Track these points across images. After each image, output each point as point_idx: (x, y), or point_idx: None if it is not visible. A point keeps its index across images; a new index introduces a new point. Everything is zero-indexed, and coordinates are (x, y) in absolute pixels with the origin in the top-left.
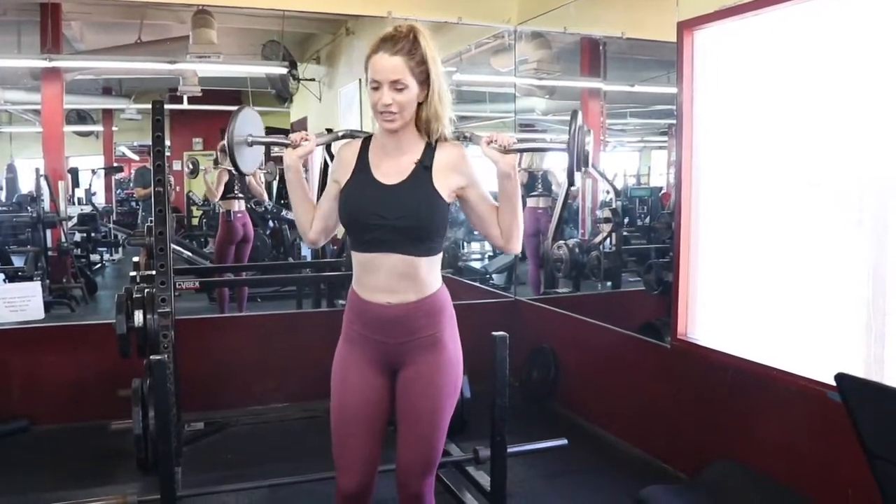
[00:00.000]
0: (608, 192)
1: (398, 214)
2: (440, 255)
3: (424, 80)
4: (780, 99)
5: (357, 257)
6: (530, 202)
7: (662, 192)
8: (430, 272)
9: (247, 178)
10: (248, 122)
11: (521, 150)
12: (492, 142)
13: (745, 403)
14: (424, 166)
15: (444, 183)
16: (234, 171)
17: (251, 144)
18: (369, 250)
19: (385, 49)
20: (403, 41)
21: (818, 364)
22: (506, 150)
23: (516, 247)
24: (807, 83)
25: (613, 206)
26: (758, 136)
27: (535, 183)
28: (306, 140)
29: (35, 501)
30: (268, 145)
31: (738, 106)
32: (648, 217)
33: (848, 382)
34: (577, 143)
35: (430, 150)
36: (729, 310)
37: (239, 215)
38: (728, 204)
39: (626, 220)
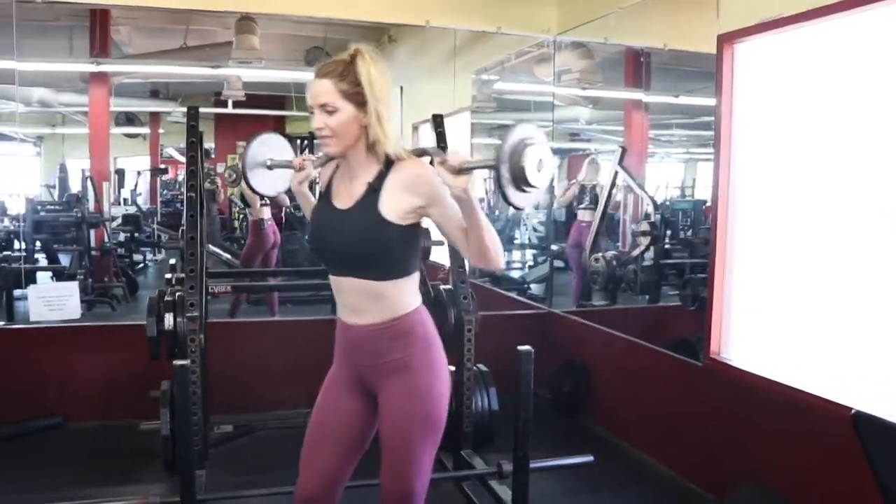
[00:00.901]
0: (648, 205)
1: (346, 241)
2: (410, 277)
3: (363, 103)
4: (822, 113)
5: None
6: (578, 215)
7: (706, 204)
8: (396, 295)
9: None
10: (268, 146)
11: (471, 169)
12: (443, 163)
13: (776, 426)
14: (373, 189)
15: (394, 205)
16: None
17: (271, 168)
18: (333, 273)
19: (317, 73)
20: (336, 65)
21: (857, 390)
22: (457, 172)
23: (493, 264)
24: (850, 98)
25: (652, 219)
26: (799, 151)
27: (583, 196)
28: (307, 163)
29: (64, 497)
30: (286, 167)
31: (778, 120)
32: (691, 230)
33: (864, 421)
34: (510, 159)
35: (384, 172)
36: (764, 329)
37: (270, 223)
38: (767, 220)
39: (669, 233)
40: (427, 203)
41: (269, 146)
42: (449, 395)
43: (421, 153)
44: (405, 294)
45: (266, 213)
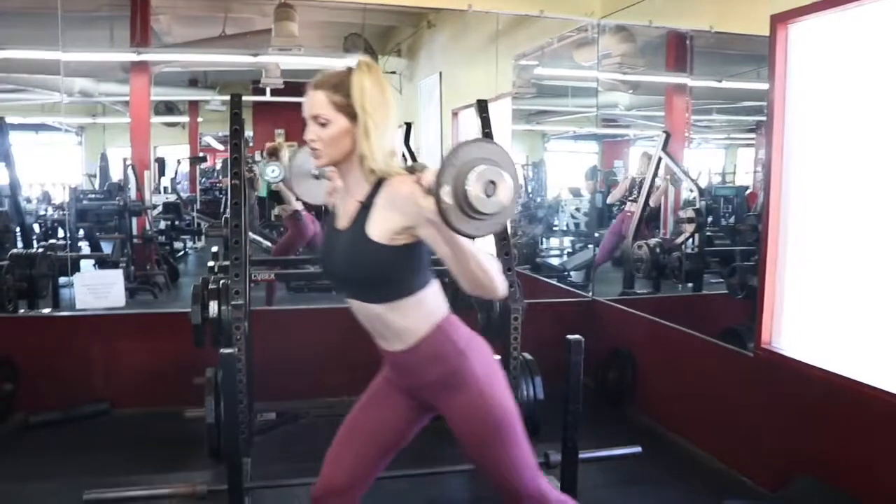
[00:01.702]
0: (692, 191)
1: (339, 263)
2: (415, 297)
3: (356, 116)
4: (880, 98)
5: None
6: (627, 206)
7: (748, 191)
8: (404, 318)
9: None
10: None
11: (434, 186)
12: (418, 181)
13: (832, 419)
14: (363, 207)
15: (381, 225)
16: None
17: (318, 177)
18: (345, 296)
19: (311, 85)
20: (332, 77)
21: None
22: (427, 192)
23: (487, 292)
24: None
25: (697, 205)
26: (855, 134)
27: (633, 190)
28: (334, 174)
29: (111, 483)
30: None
31: (834, 103)
32: (733, 217)
33: None
34: (453, 182)
35: (375, 189)
36: (818, 319)
37: (305, 213)
38: (820, 206)
39: (710, 219)
40: (413, 223)
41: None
42: (505, 383)
43: (411, 170)
44: (413, 315)
45: (300, 204)
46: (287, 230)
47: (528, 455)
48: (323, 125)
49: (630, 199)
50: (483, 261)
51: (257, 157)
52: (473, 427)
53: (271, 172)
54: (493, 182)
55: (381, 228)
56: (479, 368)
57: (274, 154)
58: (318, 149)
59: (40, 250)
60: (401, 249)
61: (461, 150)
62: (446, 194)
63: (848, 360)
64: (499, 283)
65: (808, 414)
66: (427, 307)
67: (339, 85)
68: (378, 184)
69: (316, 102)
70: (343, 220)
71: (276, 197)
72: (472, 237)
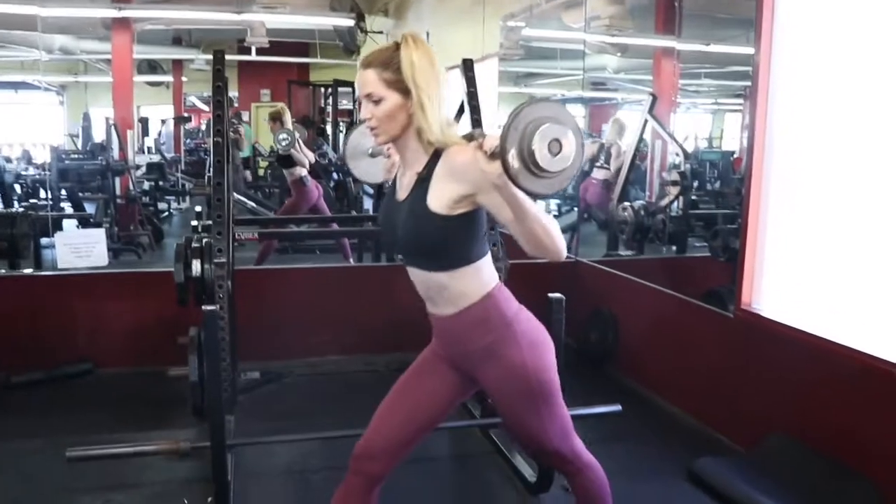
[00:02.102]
0: (677, 155)
1: (399, 233)
2: (473, 265)
3: (408, 91)
4: (865, 63)
5: None
6: (592, 173)
7: (734, 156)
8: (459, 285)
9: (292, 151)
10: (367, 135)
11: (499, 151)
12: (480, 146)
13: (807, 378)
14: (422, 179)
15: (441, 194)
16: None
17: (374, 156)
18: (405, 263)
19: (361, 65)
20: (381, 53)
21: (890, 343)
22: (491, 156)
23: (550, 255)
24: None
25: (682, 168)
26: (839, 99)
27: (600, 155)
28: (392, 151)
29: (96, 441)
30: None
31: (819, 68)
32: (719, 181)
33: None
34: (519, 142)
35: (433, 160)
36: (797, 281)
37: (310, 179)
38: (802, 170)
39: (696, 183)
40: (475, 190)
41: (368, 134)
42: (551, 356)
43: (470, 138)
44: (470, 282)
45: (303, 170)
46: (292, 195)
47: (565, 418)
48: (377, 103)
49: (597, 165)
50: (546, 222)
51: (244, 116)
52: (513, 395)
53: (282, 140)
54: (557, 140)
55: (440, 199)
56: (524, 339)
57: (278, 119)
58: (375, 126)
59: (21, 210)
60: (460, 219)
61: (522, 112)
62: (513, 157)
63: (824, 321)
64: (559, 243)
65: (783, 373)
66: (483, 275)
67: (389, 62)
68: (436, 155)
69: (367, 81)
70: (402, 192)
71: (284, 161)
72: (543, 197)
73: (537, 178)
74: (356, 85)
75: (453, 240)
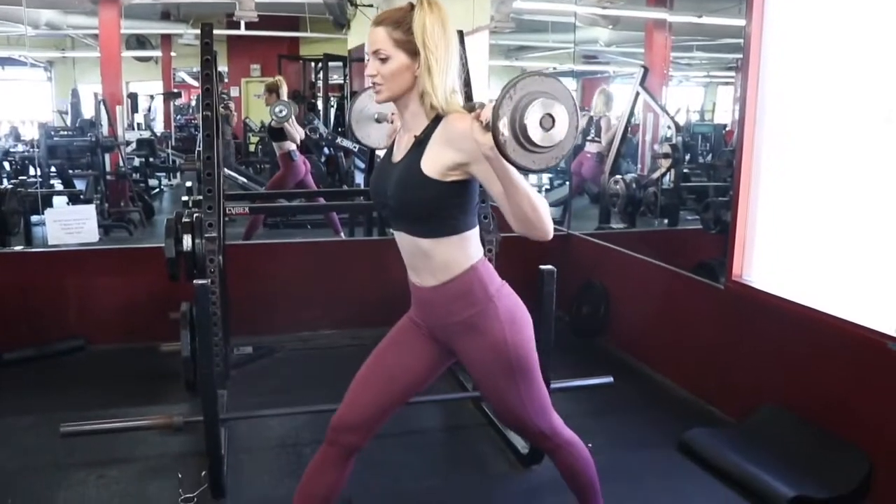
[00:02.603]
0: (669, 128)
1: (389, 193)
2: (460, 236)
3: (416, 53)
4: (859, 32)
5: None
6: (585, 146)
7: (726, 128)
8: (444, 254)
9: (285, 124)
10: (371, 100)
11: (491, 118)
12: (477, 117)
13: (798, 350)
14: (419, 143)
15: (435, 159)
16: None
17: (379, 121)
18: (392, 226)
19: (373, 22)
20: (394, 13)
21: (881, 314)
22: (486, 128)
23: (536, 233)
24: (888, 21)
25: (673, 141)
26: (831, 71)
27: (590, 128)
28: (395, 117)
29: (89, 417)
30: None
31: (811, 39)
32: (711, 154)
33: None
34: (510, 114)
35: (433, 125)
36: (788, 252)
37: (298, 154)
38: (794, 142)
39: (688, 156)
40: (469, 160)
41: (371, 99)
42: (530, 333)
43: (471, 108)
44: (455, 253)
45: (293, 145)
46: (280, 168)
47: (543, 395)
48: (383, 61)
49: (588, 138)
50: (535, 199)
51: (233, 92)
52: (492, 370)
53: (279, 112)
54: (550, 116)
55: (434, 163)
56: (505, 314)
57: (274, 91)
58: (379, 83)
59: (10, 186)
60: (451, 186)
61: (520, 83)
62: (504, 126)
63: (815, 292)
64: (547, 223)
65: (774, 345)
66: (468, 248)
67: (400, 21)
68: (436, 120)
69: (377, 38)
70: (398, 154)
71: (275, 134)
72: (528, 171)
73: (526, 151)
74: (366, 42)
75: (441, 206)
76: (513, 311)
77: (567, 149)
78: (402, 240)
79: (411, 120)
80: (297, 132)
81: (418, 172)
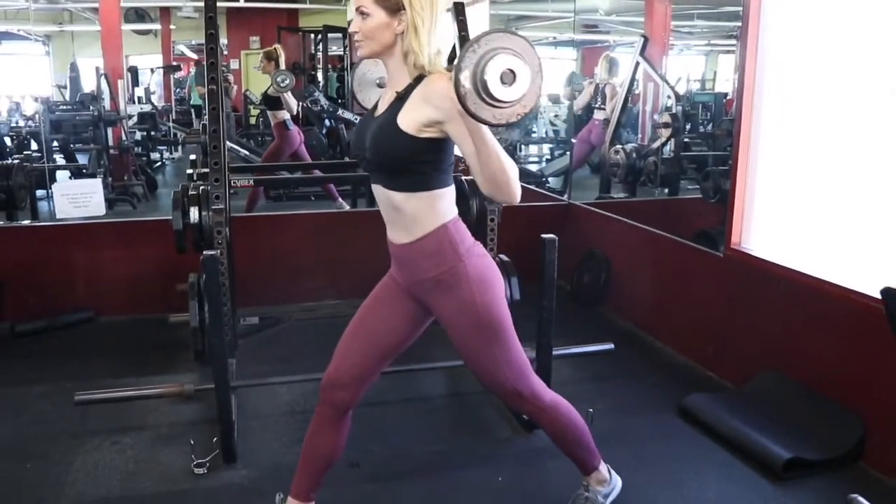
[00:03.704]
0: (669, 97)
1: (366, 146)
2: (431, 193)
3: (396, 11)
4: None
5: None
6: (595, 114)
7: (727, 97)
8: (415, 210)
9: (282, 94)
10: (377, 65)
11: (454, 70)
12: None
13: (796, 316)
14: (399, 97)
15: (412, 114)
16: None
17: (382, 86)
18: (371, 180)
19: None
20: None
21: (877, 280)
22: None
23: (504, 195)
24: None
25: (674, 111)
26: (831, 38)
27: (597, 97)
28: None
29: (100, 387)
30: None
31: (811, 5)
32: (711, 123)
33: (893, 296)
34: (472, 67)
35: (415, 83)
36: (786, 221)
37: (292, 125)
38: (793, 111)
39: (689, 126)
40: (444, 118)
41: (378, 65)
42: (500, 293)
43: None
44: (426, 209)
45: (287, 114)
46: (274, 139)
47: (519, 357)
48: (363, 17)
49: (596, 106)
50: (505, 162)
51: (232, 64)
52: (464, 329)
53: (282, 81)
54: (512, 71)
55: (410, 119)
56: (474, 273)
57: (273, 59)
58: (359, 39)
59: (15, 161)
60: (426, 142)
61: (484, 37)
62: (465, 79)
63: (813, 259)
64: (515, 187)
65: (773, 312)
66: (439, 206)
67: None
68: (418, 79)
69: None
70: (381, 108)
71: (271, 103)
72: (489, 124)
73: (487, 105)
74: None
75: (414, 161)
76: (482, 271)
77: (529, 106)
78: (378, 192)
79: (394, 77)
80: (293, 103)
81: (394, 126)
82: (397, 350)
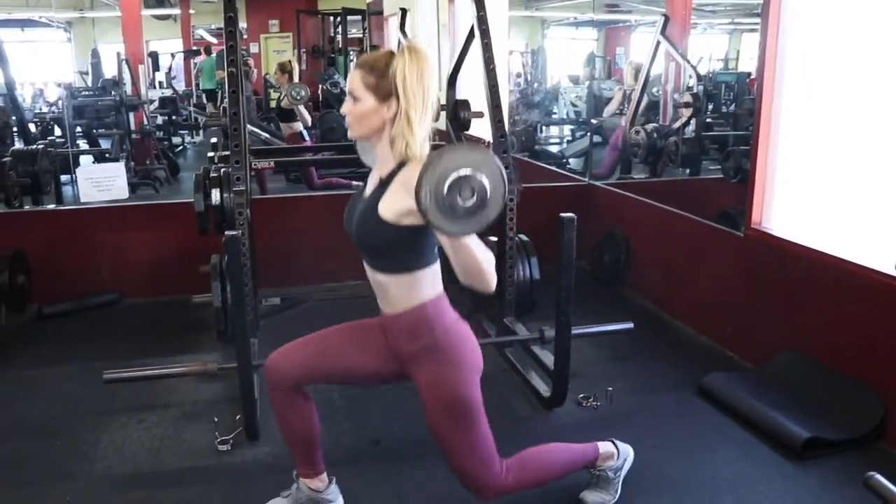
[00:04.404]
0: (691, 77)
1: (353, 228)
2: (413, 274)
3: (386, 97)
4: None
5: None
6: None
7: (750, 77)
8: (399, 290)
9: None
10: None
11: (416, 185)
12: None
13: (817, 295)
14: (382, 183)
15: (392, 203)
16: None
17: None
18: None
19: (354, 63)
20: (372, 59)
21: None
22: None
23: (480, 285)
24: None
25: (695, 90)
26: (854, 15)
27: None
28: None
29: (126, 366)
30: None
31: None
32: (734, 103)
33: None
34: (434, 190)
35: (397, 168)
36: (808, 200)
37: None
38: (815, 89)
39: (711, 106)
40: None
41: None
42: (475, 377)
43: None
44: (407, 290)
45: (301, 126)
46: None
47: (483, 446)
48: (355, 101)
49: (621, 112)
50: (478, 255)
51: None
52: (433, 404)
53: (297, 95)
54: (470, 185)
55: (391, 207)
56: (450, 355)
57: (287, 71)
58: (350, 122)
59: (41, 146)
60: (406, 230)
61: (445, 153)
62: (427, 195)
63: (833, 239)
64: (490, 279)
65: (792, 291)
66: (419, 287)
67: (374, 67)
68: (401, 165)
69: (353, 79)
70: (368, 190)
71: (283, 115)
72: (451, 235)
73: (447, 219)
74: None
75: (395, 247)
76: (459, 352)
77: (492, 217)
78: (366, 269)
79: (380, 160)
80: (308, 116)
81: (375, 214)
82: (345, 382)
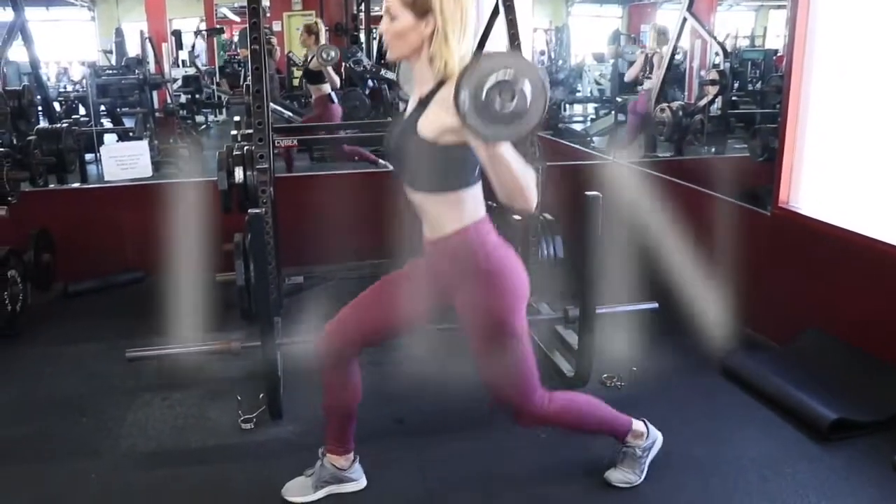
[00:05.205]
0: (717, 54)
1: (391, 148)
2: (454, 194)
3: (423, 14)
4: None
5: None
6: (645, 84)
7: (777, 54)
8: (438, 210)
9: (326, 68)
10: None
11: (455, 88)
12: None
13: (844, 274)
14: (422, 101)
15: (432, 121)
16: None
17: None
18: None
19: None
20: None
21: None
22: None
23: (520, 204)
24: None
25: (721, 67)
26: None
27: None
28: None
29: (150, 344)
30: None
31: None
32: (760, 81)
33: None
34: (473, 85)
35: (437, 87)
36: (836, 179)
37: (335, 98)
38: (844, 66)
39: (737, 83)
40: (460, 125)
41: None
42: (519, 296)
43: None
44: (448, 211)
45: (329, 88)
46: (315, 110)
47: (526, 371)
48: (392, 19)
49: (645, 76)
50: (517, 172)
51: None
52: (475, 331)
53: (327, 56)
54: (511, 89)
55: (431, 125)
56: (492, 279)
57: (314, 32)
58: (388, 41)
59: (65, 125)
60: (446, 149)
61: (486, 56)
62: (466, 97)
63: (861, 217)
64: (531, 197)
65: (819, 270)
66: (462, 207)
67: None
68: (441, 84)
69: None
70: (409, 109)
71: (311, 77)
72: (488, 140)
73: (487, 123)
74: None
75: (434, 165)
76: (503, 277)
77: (532, 123)
78: (406, 190)
79: (420, 79)
80: (336, 77)
81: (414, 132)
82: (402, 330)
